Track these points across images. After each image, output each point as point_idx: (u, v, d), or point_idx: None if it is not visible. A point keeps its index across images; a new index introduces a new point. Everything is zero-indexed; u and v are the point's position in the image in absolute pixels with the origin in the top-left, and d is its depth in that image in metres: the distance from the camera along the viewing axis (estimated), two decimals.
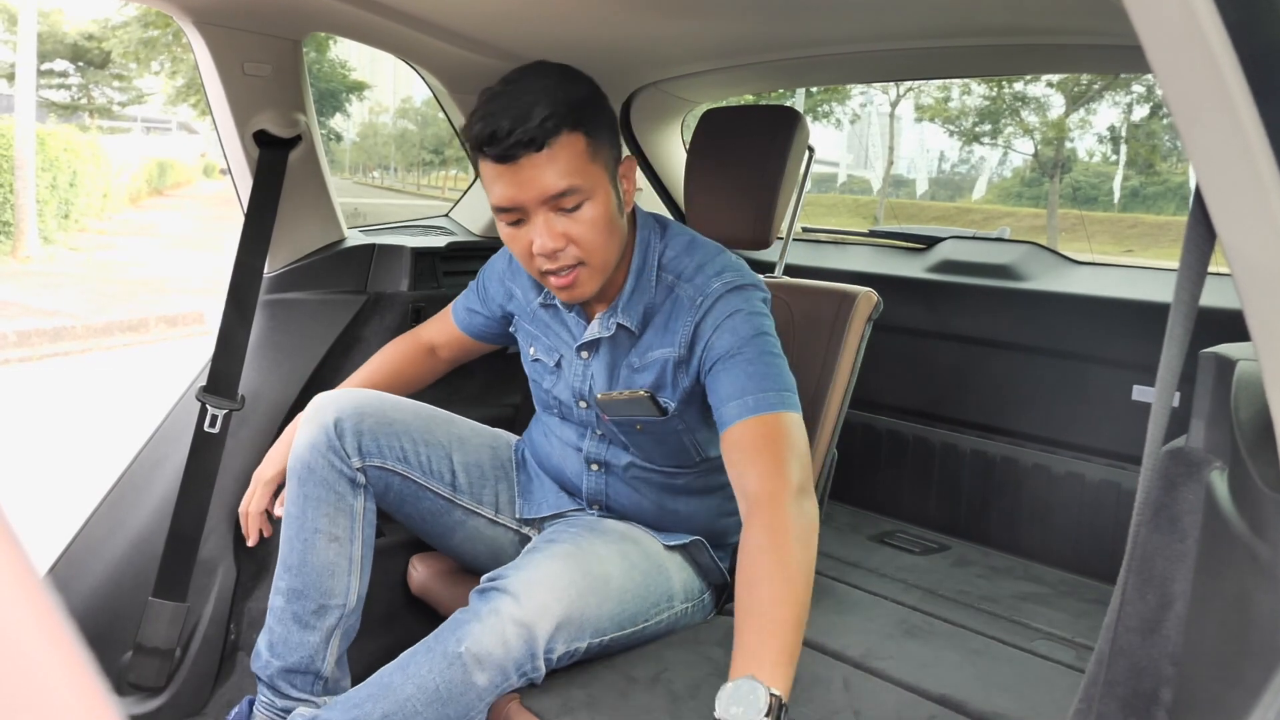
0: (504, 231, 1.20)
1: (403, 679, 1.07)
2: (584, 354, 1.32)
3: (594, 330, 1.28)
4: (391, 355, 1.52)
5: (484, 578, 1.14)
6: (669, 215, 2.03)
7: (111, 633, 1.45)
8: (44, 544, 1.59)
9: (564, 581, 1.12)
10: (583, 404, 1.35)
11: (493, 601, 1.08)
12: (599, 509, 1.41)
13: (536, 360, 1.40)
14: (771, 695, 0.91)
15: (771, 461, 1.09)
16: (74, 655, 0.23)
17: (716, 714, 0.91)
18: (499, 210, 1.17)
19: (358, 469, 1.28)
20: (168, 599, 1.44)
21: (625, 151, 1.30)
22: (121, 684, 1.43)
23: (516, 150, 1.10)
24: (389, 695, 1.06)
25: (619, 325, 1.27)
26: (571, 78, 1.17)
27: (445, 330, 1.54)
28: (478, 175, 2.14)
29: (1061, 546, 1.79)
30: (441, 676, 1.05)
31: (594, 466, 1.38)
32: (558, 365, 1.36)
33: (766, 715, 0.89)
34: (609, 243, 1.18)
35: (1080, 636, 1.43)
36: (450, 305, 1.55)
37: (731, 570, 1.46)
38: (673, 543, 1.34)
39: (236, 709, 1.29)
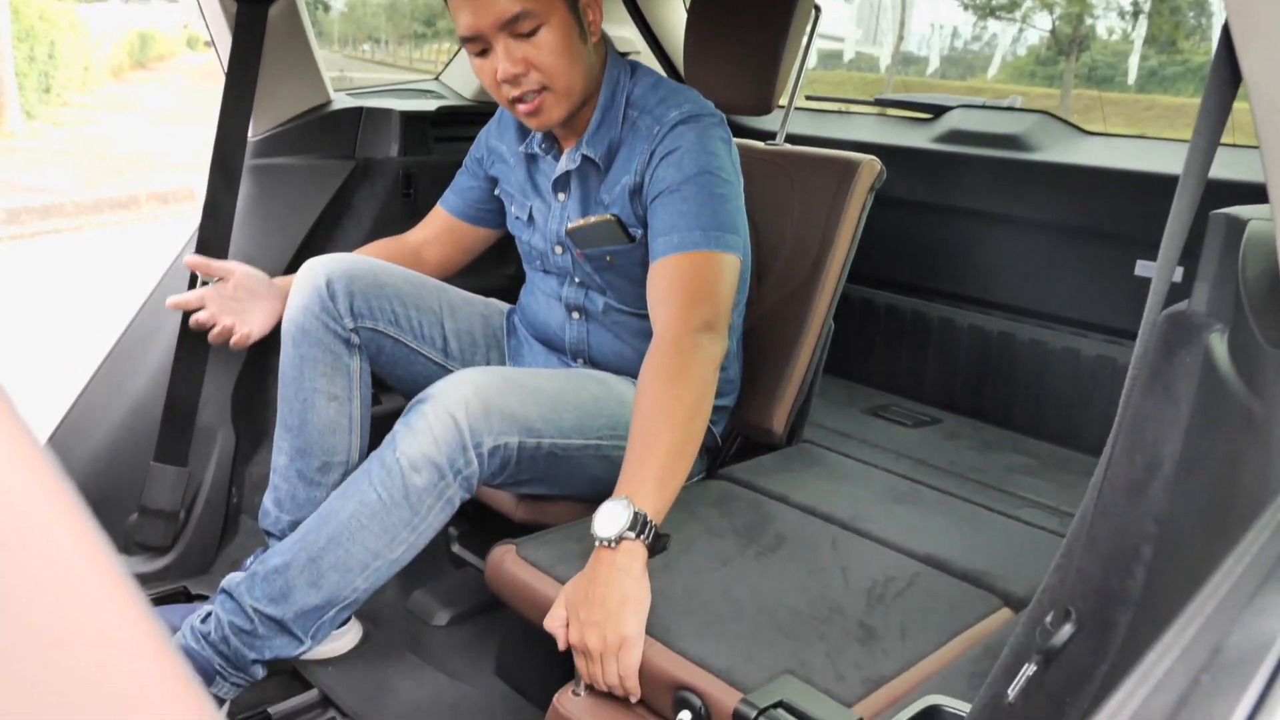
0: (474, 64, 1.25)
1: (343, 502, 1.11)
2: (561, 195, 1.34)
3: (563, 164, 1.31)
4: (374, 246, 1.51)
5: None
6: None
7: (116, 495, 1.48)
8: (44, 412, 1.60)
9: (482, 380, 1.14)
10: (558, 249, 1.36)
11: (415, 410, 1.12)
12: (583, 363, 1.41)
13: (517, 218, 1.42)
14: (638, 513, 1.00)
15: (681, 301, 1.15)
16: (75, 514, 0.23)
17: (591, 530, 1.01)
18: (465, 41, 1.22)
19: (351, 329, 1.28)
20: (169, 463, 1.47)
21: None
22: (129, 544, 1.47)
23: None
24: (332, 519, 1.11)
25: (584, 157, 1.29)
26: None
27: (433, 223, 1.53)
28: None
29: (1054, 420, 1.81)
30: (381, 486, 1.09)
31: (575, 315, 1.40)
32: (530, 218, 1.39)
33: (630, 529, 0.99)
34: (570, 68, 1.21)
35: (1066, 505, 1.46)
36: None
37: (723, 435, 1.47)
38: None
39: (251, 557, 1.33)
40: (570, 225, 1.31)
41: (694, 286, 1.16)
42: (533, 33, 1.18)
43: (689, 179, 1.21)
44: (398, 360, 1.35)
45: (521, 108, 1.23)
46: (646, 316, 1.35)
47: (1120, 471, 0.81)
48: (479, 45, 1.21)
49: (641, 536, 0.99)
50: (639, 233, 1.29)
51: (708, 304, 1.16)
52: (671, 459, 1.05)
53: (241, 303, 1.37)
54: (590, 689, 1.02)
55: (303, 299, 1.28)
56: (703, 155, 1.23)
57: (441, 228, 1.52)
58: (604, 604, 0.96)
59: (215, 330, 1.36)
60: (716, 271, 1.18)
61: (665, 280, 1.18)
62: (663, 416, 1.07)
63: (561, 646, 1.01)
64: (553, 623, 1.01)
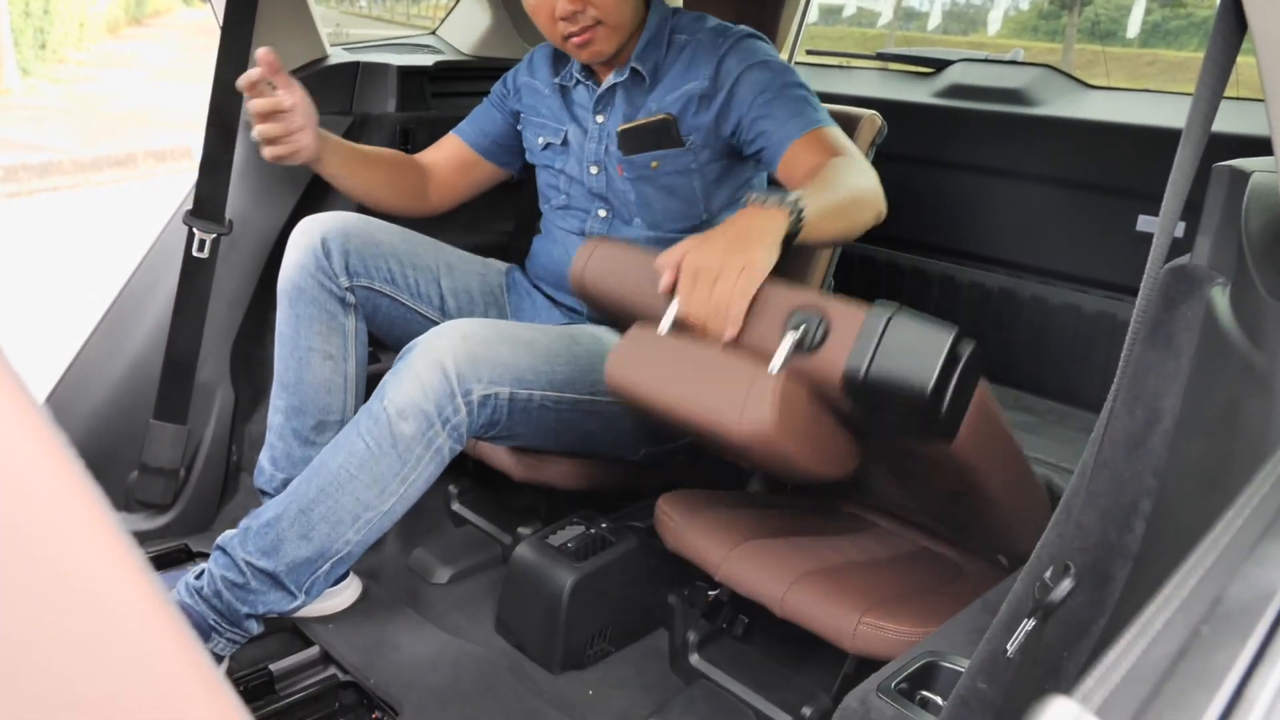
0: (528, 4, 1.29)
1: (333, 454, 1.11)
2: (599, 118, 1.36)
3: (608, 80, 1.35)
4: (387, 150, 1.46)
5: None
6: None
7: (116, 453, 1.48)
8: (43, 371, 1.60)
9: (470, 329, 1.13)
10: (594, 169, 1.37)
11: (403, 359, 1.12)
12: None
13: (547, 146, 1.42)
14: (801, 204, 0.98)
15: (842, 154, 1.19)
16: (73, 472, 0.23)
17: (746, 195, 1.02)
18: None
19: (346, 289, 1.28)
20: (168, 421, 1.47)
21: None
22: (129, 501, 1.48)
23: None
24: (322, 471, 1.10)
25: (633, 69, 1.33)
26: None
27: (443, 147, 1.51)
28: None
29: (1053, 377, 1.81)
30: (369, 436, 1.09)
31: None
32: (564, 142, 1.40)
33: (790, 207, 0.97)
34: (622, 3, 1.27)
35: (1065, 462, 1.46)
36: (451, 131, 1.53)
37: None
38: None
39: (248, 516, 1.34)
40: (623, 125, 1.33)
41: (845, 147, 1.21)
42: None
43: (785, 78, 1.27)
44: (394, 319, 1.34)
45: (575, 40, 1.27)
46: (671, 241, 1.35)
47: (1120, 425, 0.80)
48: None
49: (792, 218, 0.98)
50: (690, 140, 1.31)
51: (863, 159, 1.21)
52: (843, 203, 1.08)
53: (292, 124, 1.24)
54: (677, 328, 0.93)
55: (298, 257, 1.27)
56: (781, 61, 1.31)
57: (450, 153, 1.50)
58: (736, 236, 0.94)
59: (278, 125, 1.22)
60: (846, 138, 1.24)
61: (813, 148, 1.21)
62: (851, 174, 1.12)
63: (666, 283, 0.95)
64: (667, 258, 0.96)
